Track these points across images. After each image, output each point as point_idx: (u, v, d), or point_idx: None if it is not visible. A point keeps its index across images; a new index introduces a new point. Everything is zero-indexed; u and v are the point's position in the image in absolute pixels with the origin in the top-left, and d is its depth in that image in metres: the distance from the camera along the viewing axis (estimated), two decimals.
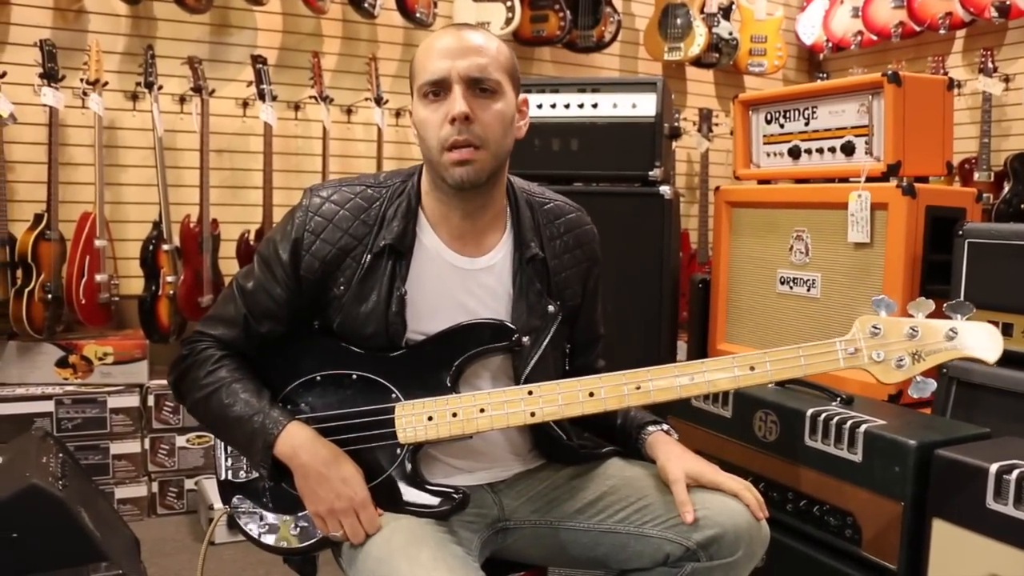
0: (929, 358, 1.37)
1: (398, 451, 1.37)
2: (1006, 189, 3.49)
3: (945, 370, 2.08)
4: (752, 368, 1.37)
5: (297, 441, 1.34)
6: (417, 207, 1.44)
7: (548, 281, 1.48)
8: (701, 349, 2.84)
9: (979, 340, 1.36)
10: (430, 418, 1.37)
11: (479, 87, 1.34)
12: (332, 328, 1.43)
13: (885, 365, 1.37)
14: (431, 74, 1.34)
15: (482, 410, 1.36)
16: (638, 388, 1.36)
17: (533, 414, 1.36)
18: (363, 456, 1.38)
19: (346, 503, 1.32)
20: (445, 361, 1.40)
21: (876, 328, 1.37)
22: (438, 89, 1.34)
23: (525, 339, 1.42)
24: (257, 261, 1.46)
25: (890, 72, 2.25)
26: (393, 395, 1.39)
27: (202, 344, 1.44)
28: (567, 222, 1.54)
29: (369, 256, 1.40)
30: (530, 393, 1.36)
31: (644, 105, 2.61)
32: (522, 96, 1.45)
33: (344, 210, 1.41)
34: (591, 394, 1.36)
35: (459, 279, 1.43)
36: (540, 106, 2.71)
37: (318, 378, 1.42)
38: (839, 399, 1.90)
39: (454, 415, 1.36)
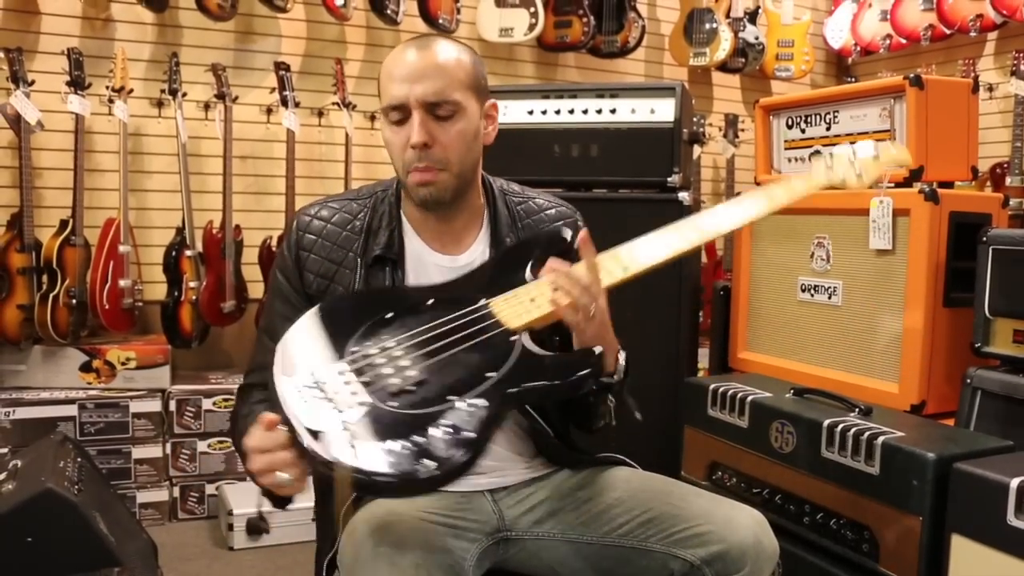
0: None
1: (511, 339, 1.29)
2: None
3: (969, 380, 2.03)
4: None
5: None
6: (399, 213, 1.49)
7: None
8: (722, 357, 2.80)
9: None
10: (532, 299, 1.31)
11: (437, 111, 1.36)
12: None
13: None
14: (390, 98, 1.37)
15: None
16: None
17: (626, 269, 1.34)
18: (472, 360, 1.27)
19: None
20: (516, 267, 1.38)
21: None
22: (399, 113, 1.37)
23: (570, 234, 1.42)
24: (270, 300, 1.50)
25: (912, 75, 2.20)
26: (479, 299, 1.33)
27: (245, 399, 1.45)
28: (543, 217, 1.55)
29: (363, 266, 1.44)
30: None
31: (663, 110, 2.58)
32: (491, 101, 1.47)
33: (331, 224, 1.47)
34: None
35: (443, 278, 1.45)
36: (559, 112, 2.69)
37: (387, 316, 1.32)
38: (857, 410, 1.86)
39: (555, 289, 1.30)
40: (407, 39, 1.50)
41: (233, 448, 1.49)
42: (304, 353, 1.24)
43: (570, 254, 1.38)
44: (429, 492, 1.21)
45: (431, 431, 1.15)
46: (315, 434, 1.13)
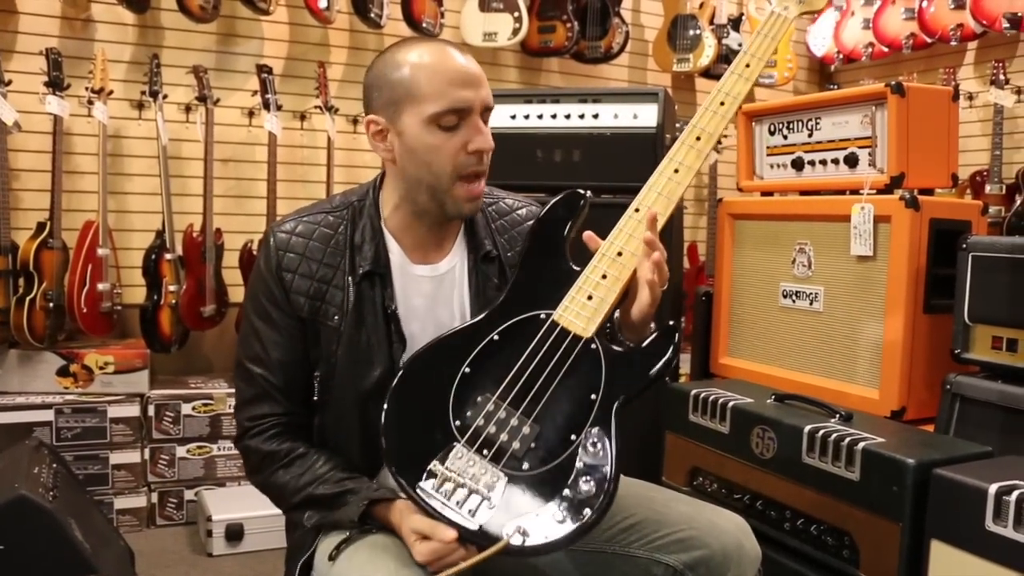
0: None
1: (592, 346, 1.26)
2: (1018, 202, 3.43)
3: (949, 386, 2.04)
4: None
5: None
6: (380, 224, 1.44)
7: (505, 274, 1.48)
8: (704, 363, 2.80)
9: None
10: (590, 297, 1.28)
11: (486, 116, 1.37)
12: (333, 363, 1.40)
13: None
14: (455, 102, 1.32)
15: (620, 253, 1.29)
16: (698, 139, 1.34)
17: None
18: (570, 388, 1.24)
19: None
20: (555, 257, 1.36)
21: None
22: (457, 117, 1.33)
23: (589, 192, 1.40)
24: (250, 326, 1.43)
25: (893, 83, 2.21)
26: (541, 316, 1.30)
27: (262, 437, 1.40)
28: (515, 217, 1.55)
29: (352, 283, 1.40)
30: (636, 210, 1.32)
31: (645, 116, 2.59)
32: None
33: (313, 241, 1.42)
34: (676, 171, 1.33)
35: (426, 288, 1.45)
36: (541, 116, 2.69)
37: (467, 371, 1.29)
38: (838, 416, 1.86)
39: (604, 277, 1.29)
40: (390, 43, 1.47)
41: (280, 509, 1.44)
42: (417, 448, 1.24)
43: (583, 212, 1.39)
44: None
45: (574, 481, 1.18)
46: (480, 532, 1.17)
